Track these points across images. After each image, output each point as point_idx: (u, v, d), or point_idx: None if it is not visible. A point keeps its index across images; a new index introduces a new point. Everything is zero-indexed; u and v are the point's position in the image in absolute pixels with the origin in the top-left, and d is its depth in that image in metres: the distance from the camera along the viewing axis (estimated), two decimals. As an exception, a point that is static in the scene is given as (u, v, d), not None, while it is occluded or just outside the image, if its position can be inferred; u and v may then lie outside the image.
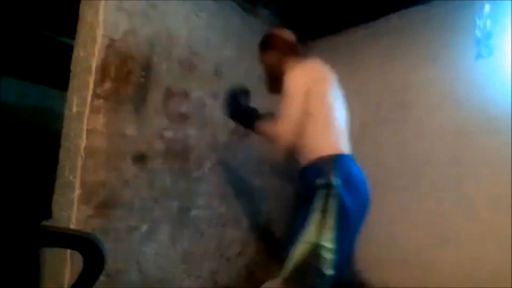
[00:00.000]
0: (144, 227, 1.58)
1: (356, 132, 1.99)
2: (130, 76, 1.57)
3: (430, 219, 1.98)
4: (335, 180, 1.20)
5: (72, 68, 1.53)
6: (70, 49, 1.56)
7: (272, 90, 1.55)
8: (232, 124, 2.08)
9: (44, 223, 1.43)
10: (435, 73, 2.09)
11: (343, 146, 1.36)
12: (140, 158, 1.59)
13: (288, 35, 1.58)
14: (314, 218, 1.19)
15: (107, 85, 1.47)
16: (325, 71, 1.44)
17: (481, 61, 1.91)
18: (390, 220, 2.11)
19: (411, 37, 2.22)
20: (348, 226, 1.23)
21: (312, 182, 1.24)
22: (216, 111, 1.98)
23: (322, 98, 1.34)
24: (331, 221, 1.17)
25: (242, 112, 1.57)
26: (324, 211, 1.19)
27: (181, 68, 1.80)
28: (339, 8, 2.28)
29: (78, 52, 1.51)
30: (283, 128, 1.32)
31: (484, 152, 1.85)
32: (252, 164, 2.20)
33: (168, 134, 1.72)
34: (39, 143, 2.71)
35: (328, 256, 1.15)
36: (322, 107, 1.34)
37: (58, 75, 1.82)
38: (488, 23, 1.87)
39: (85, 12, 1.53)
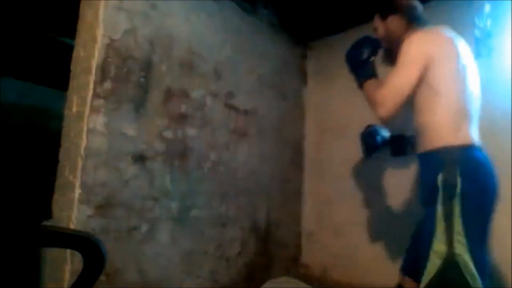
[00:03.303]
0: (144, 227, 1.58)
1: (356, 132, 2.00)
2: (130, 76, 1.57)
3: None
4: (459, 180, 1.06)
5: (72, 68, 1.53)
6: (70, 49, 1.56)
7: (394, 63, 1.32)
8: (232, 124, 2.09)
9: (44, 223, 1.43)
10: (435, 73, 2.09)
11: (472, 135, 1.16)
12: (140, 158, 1.59)
13: None
14: (439, 223, 1.06)
15: (107, 85, 1.47)
16: (456, 42, 1.22)
17: (480, 61, 1.91)
18: (390, 221, 2.10)
19: (411, 37, 2.22)
20: (479, 228, 1.09)
21: (433, 177, 1.10)
22: (216, 111, 1.98)
23: (450, 74, 1.16)
24: (459, 226, 1.03)
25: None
26: (447, 216, 1.05)
27: (181, 68, 1.80)
28: (339, 8, 2.27)
29: (78, 52, 1.51)
30: (384, 97, 1.17)
31: (484, 152, 1.84)
32: (252, 164, 2.20)
33: (168, 134, 1.72)
34: (39, 143, 2.71)
35: (469, 265, 1.00)
36: (449, 85, 1.15)
37: (58, 75, 1.82)
38: (488, 23, 1.87)
39: (85, 12, 1.53)
